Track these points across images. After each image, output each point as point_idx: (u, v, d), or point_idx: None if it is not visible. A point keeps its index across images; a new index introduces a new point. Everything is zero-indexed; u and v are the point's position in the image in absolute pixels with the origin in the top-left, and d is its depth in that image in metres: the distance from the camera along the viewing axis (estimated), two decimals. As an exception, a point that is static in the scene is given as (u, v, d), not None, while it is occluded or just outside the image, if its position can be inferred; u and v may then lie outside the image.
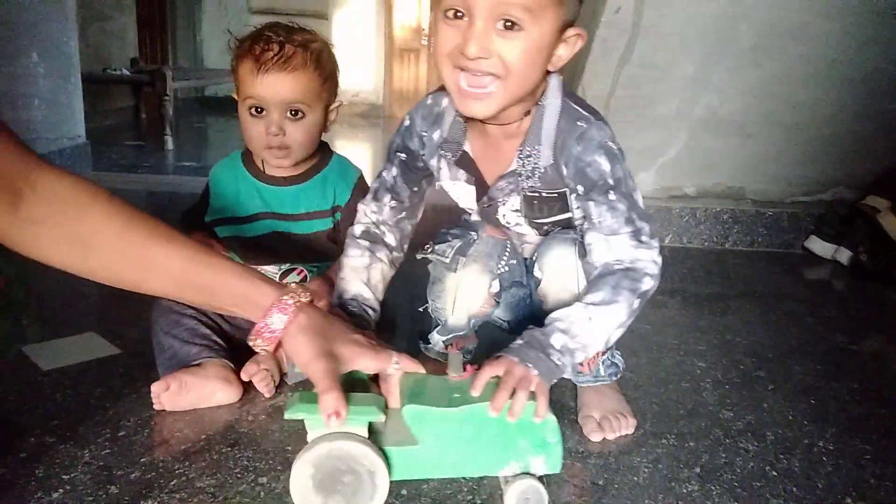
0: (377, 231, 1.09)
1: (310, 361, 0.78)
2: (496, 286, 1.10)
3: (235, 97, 1.15)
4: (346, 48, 6.85)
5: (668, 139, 2.18)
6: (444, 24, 0.86)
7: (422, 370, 0.87)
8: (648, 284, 0.94)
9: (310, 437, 0.78)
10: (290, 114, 1.12)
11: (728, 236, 2.31)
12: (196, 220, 1.23)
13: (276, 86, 1.09)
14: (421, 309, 1.19)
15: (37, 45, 2.37)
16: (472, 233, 1.10)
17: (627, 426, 1.08)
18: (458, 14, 0.84)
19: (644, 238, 0.94)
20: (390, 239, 1.10)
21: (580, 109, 0.96)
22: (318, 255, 1.23)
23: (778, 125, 2.16)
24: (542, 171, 0.97)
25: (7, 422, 1.01)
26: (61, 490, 0.86)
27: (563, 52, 0.90)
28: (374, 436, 0.80)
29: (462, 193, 1.07)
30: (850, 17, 1.92)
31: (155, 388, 1.04)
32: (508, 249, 1.10)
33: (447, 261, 1.09)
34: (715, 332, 1.57)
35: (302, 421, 0.79)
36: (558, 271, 1.02)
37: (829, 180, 2.31)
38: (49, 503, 0.83)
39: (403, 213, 1.11)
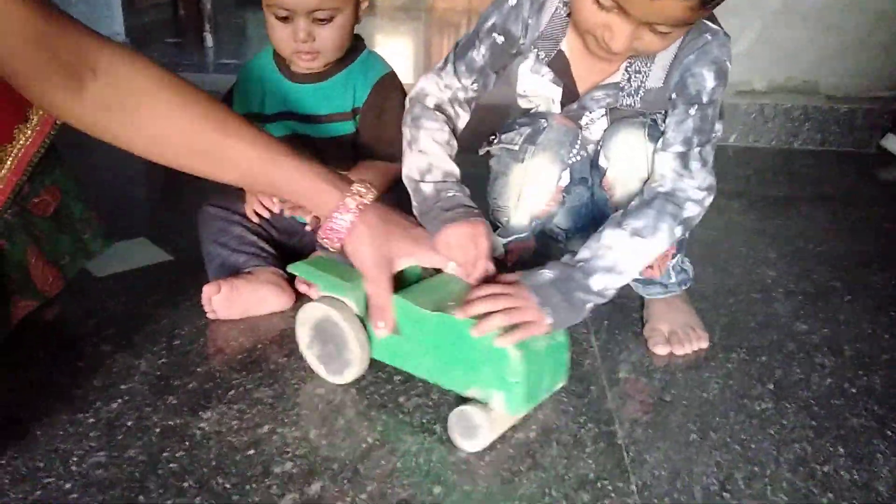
0: (450, 109, 0.99)
1: (369, 268, 0.82)
2: (566, 178, 1.01)
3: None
4: (387, -65, 6.52)
5: (740, 30, 2.00)
6: (596, 6, 0.81)
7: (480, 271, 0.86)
8: (692, 210, 0.90)
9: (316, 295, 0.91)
10: (318, 19, 1.02)
11: (798, 134, 2.17)
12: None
13: None
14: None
15: (70, -65, 2.27)
16: (542, 120, 1.00)
17: (699, 341, 1.03)
18: (612, 8, 0.79)
19: (693, 165, 0.90)
20: (460, 122, 1.00)
21: (708, 24, 0.89)
22: (339, 163, 1.15)
23: (861, 13, 1.98)
24: (646, 90, 0.92)
25: (63, 330, 1.01)
26: (119, 400, 0.85)
27: None
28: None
29: (543, 89, 1.00)
30: None
31: (206, 290, 1.02)
32: (580, 139, 1.00)
33: (516, 149, 0.99)
34: (785, 238, 1.48)
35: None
36: (627, 155, 0.95)
37: (913, 74, 2.12)
38: (108, 413, 0.83)
39: (476, 97, 1.01)
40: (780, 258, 1.38)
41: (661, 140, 0.92)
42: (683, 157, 0.90)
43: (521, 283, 0.83)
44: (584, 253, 0.87)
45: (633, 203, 0.91)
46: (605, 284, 0.85)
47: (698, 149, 0.90)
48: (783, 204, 1.71)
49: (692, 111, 0.89)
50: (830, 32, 2.05)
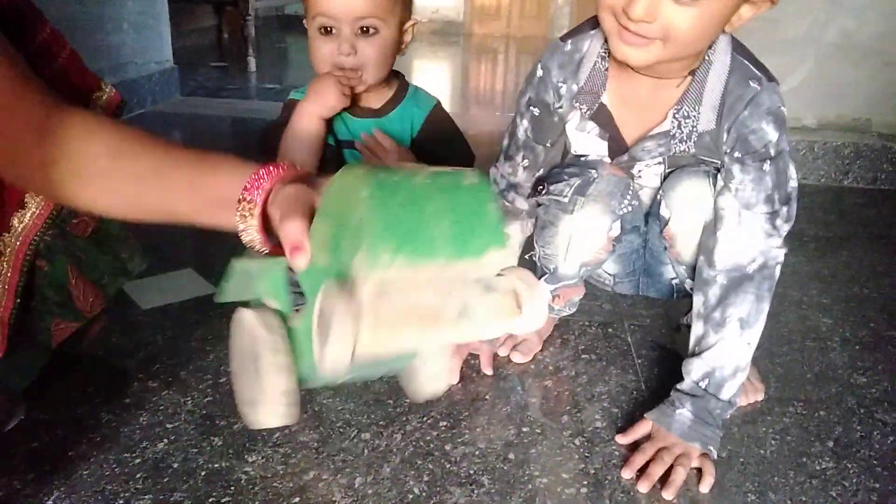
0: (507, 203, 1.04)
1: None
2: (616, 229, 0.98)
3: (304, 20, 1.05)
4: (427, -39, 6.60)
5: (793, 66, 1.97)
6: None
7: None
8: (779, 271, 0.90)
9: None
10: (362, 30, 1.00)
11: (848, 172, 2.12)
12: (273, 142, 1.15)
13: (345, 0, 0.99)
14: (527, 257, 1.10)
15: (123, -34, 2.34)
16: (592, 170, 0.97)
17: (755, 393, 1.00)
18: None
19: (778, 223, 0.88)
20: (521, 203, 1.04)
21: (752, 68, 0.87)
22: None
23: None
24: (699, 135, 0.89)
25: (111, 364, 1.01)
26: (166, 440, 0.85)
27: (747, 14, 0.80)
28: None
29: (590, 146, 0.98)
30: None
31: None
32: (631, 189, 0.98)
33: (565, 201, 0.97)
34: (840, 282, 1.44)
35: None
36: (692, 207, 0.93)
37: (972, 112, 2.06)
38: (154, 454, 0.83)
39: (540, 171, 1.03)
40: (835, 303, 1.34)
41: (736, 194, 0.88)
42: (772, 218, 0.88)
43: (666, 433, 0.87)
44: (699, 368, 0.89)
45: (720, 280, 0.89)
46: (735, 388, 0.88)
47: (784, 208, 0.88)
48: (835, 244, 1.66)
49: (766, 167, 0.86)
50: (885, 70, 2.00)
